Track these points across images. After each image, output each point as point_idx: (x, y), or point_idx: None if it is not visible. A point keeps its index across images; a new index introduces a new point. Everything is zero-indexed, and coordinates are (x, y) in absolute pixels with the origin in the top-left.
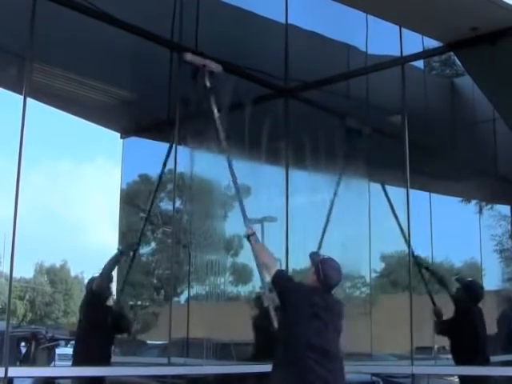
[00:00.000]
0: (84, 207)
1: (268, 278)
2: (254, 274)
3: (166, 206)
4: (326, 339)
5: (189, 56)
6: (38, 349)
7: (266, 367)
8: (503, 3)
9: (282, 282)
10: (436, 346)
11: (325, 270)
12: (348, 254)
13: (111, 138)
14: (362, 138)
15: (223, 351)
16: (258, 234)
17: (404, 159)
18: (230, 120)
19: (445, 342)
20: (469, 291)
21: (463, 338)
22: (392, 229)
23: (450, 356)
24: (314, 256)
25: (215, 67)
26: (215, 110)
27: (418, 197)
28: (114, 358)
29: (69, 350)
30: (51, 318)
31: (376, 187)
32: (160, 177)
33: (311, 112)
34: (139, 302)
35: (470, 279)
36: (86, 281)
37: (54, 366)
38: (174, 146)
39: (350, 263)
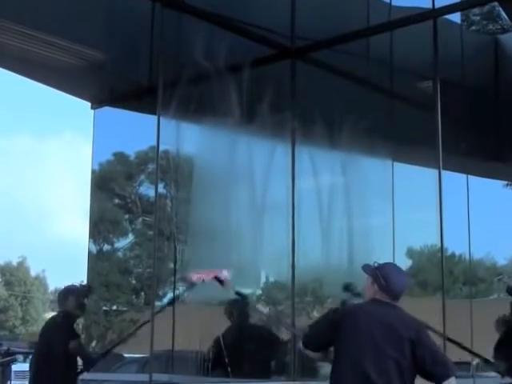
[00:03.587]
0: (47, 192)
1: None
2: (254, 273)
3: (146, 190)
4: (368, 366)
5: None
6: None
7: None
8: None
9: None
10: (475, 361)
11: (384, 273)
12: (367, 249)
13: (80, 108)
14: None
15: (215, 366)
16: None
17: (436, 134)
18: (226, 86)
19: (486, 355)
20: None
21: None
22: (421, 219)
23: (492, 373)
24: (366, 267)
25: (227, 275)
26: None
27: (453, 179)
28: (84, 376)
29: (28, 366)
30: (6, 328)
31: (402, 168)
32: None
33: (322, 76)
34: (115, 307)
35: None
36: (48, 281)
37: None
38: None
39: (369, 260)
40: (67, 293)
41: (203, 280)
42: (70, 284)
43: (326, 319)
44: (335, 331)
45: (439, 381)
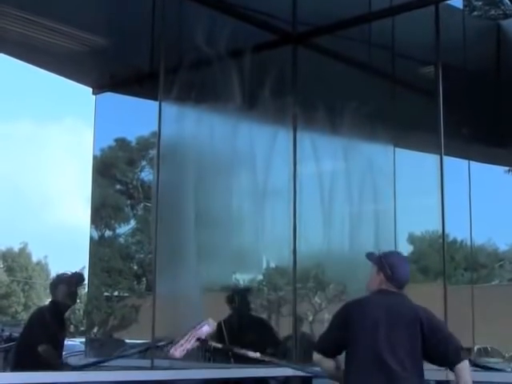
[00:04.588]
0: (49, 178)
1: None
2: (255, 258)
3: (147, 176)
4: (383, 351)
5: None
6: None
7: (265, 371)
8: None
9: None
10: (476, 348)
11: (391, 262)
12: (368, 235)
13: (81, 93)
14: None
15: (217, 352)
16: (262, 211)
17: (437, 119)
18: (227, 72)
19: (487, 342)
20: None
21: None
22: (422, 204)
23: (493, 359)
24: (371, 256)
25: (209, 328)
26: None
27: (455, 165)
28: (86, 361)
29: None
30: (8, 313)
31: (403, 153)
32: None
33: (324, 62)
34: (116, 293)
35: None
36: (50, 267)
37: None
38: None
39: (371, 246)
40: (58, 281)
41: (187, 351)
42: (61, 272)
43: (333, 322)
44: (346, 326)
45: (452, 364)
